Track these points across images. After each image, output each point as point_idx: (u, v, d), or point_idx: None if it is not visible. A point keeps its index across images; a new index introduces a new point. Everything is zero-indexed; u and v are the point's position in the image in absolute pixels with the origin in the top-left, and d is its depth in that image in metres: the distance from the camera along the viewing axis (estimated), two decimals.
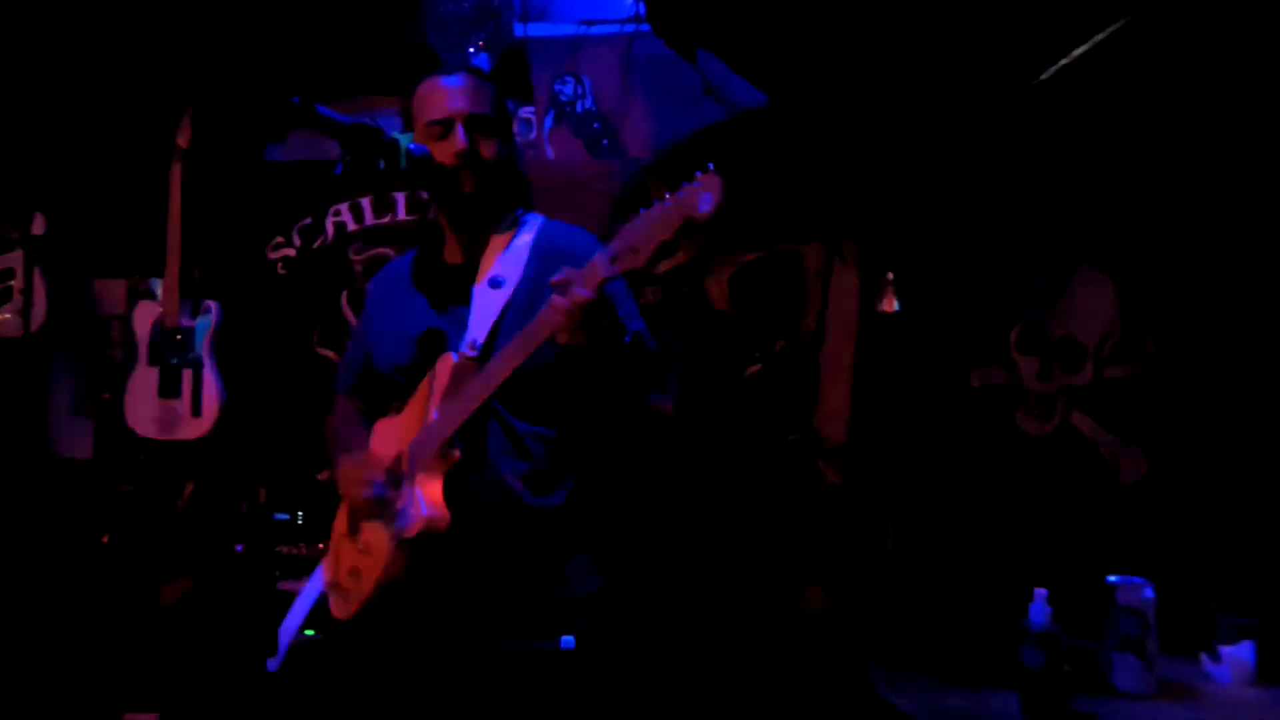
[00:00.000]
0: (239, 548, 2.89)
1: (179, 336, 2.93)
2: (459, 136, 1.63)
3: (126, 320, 3.07)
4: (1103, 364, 2.54)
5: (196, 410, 2.91)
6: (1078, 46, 2.18)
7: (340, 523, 1.79)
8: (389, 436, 1.68)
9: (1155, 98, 2.40)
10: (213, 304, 2.97)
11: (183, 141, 2.90)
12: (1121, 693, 1.86)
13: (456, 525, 1.57)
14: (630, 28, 2.88)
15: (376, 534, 1.64)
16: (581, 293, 1.40)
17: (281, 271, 3.16)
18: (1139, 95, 2.41)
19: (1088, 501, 2.47)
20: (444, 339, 1.65)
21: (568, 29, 2.98)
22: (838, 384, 2.77)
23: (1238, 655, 1.93)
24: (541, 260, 1.66)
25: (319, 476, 3.07)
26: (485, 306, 1.64)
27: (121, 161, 3.17)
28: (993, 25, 2.25)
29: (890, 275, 2.67)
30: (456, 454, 1.58)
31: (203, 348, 2.94)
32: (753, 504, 2.75)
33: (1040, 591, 1.78)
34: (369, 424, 1.77)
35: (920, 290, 2.70)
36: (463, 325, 1.64)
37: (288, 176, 3.18)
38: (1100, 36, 2.15)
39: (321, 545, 2.83)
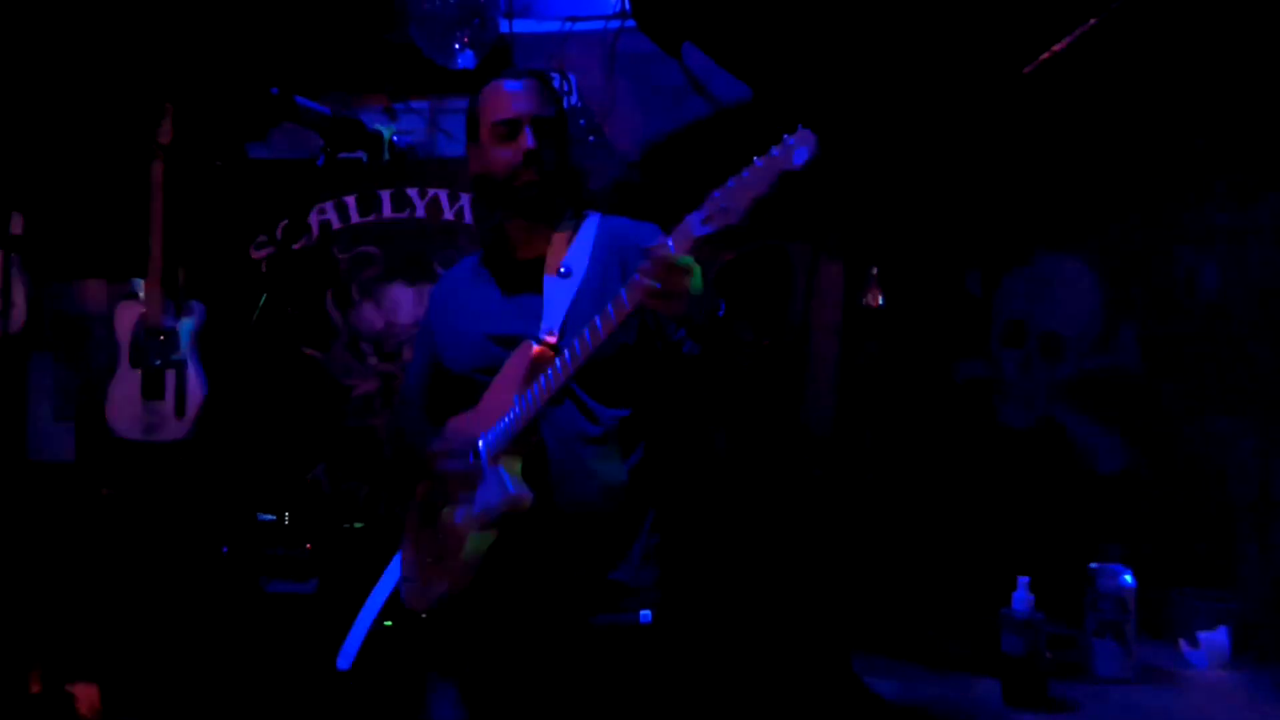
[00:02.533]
0: (224, 549, 2.91)
1: (162, 337, 2.91)
2: (526, 137, 1.72)
3: (108, 321, 3.04)
4: (1083, 356, 2.60)
5: (180, 412, 2.90)
6: (1060, 39, 2.23)
7: (414, 517, 1.84)
8: (464, 430, 1.74)
9: (1136, 89, 2.45)
10: (196, 304, 2.96)
11: (164, 139, 2.90)
12: (1101, 678, 1.92)
13: (537, 506, 1.62)
14: (615, 24, 2.91)
15: (456, 518, 1.69)
16: (673, 251, 1.43)
17: (265, 270, 3.17)
18: (1121, 87, 2.46)
19: (1068, 491, 2.52)
20: (524, 333, 1.70)
21: (552, 26, 3.00)
22: (822, 378, 2.82)
23: (1214, 640, 2.00)
24: (607, 250, 1.75)
25: (305, 478, 3.10)
26: (558, 296, 1.71)
27: (101, 160, 3.16)
28: (976, 19, 2.30)
29: (874, 270, 2.72)
30: (537, 436, 1.66)
31: (186, 348, 2.93)
32: (737, 497, 2.80)
33: (1022, 579, 1.84)
34: (437, 426, 1.82)
35: (904, 284, 2.75)
36: (536, 317, 1.71)
37: (271, 175, 3.18)
38: (1082, 29, 2.20)
39: (309, 546, 2.88)
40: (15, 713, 2.93)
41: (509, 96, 1.76)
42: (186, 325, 2.95)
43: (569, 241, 1.77)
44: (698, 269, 1.45)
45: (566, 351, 1.59)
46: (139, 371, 2.94)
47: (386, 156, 1.64)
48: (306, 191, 3.11)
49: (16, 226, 3.11)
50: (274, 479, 3.08)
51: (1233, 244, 2.40)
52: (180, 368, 2.91)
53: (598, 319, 1.54)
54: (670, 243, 1.44)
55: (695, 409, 1.85)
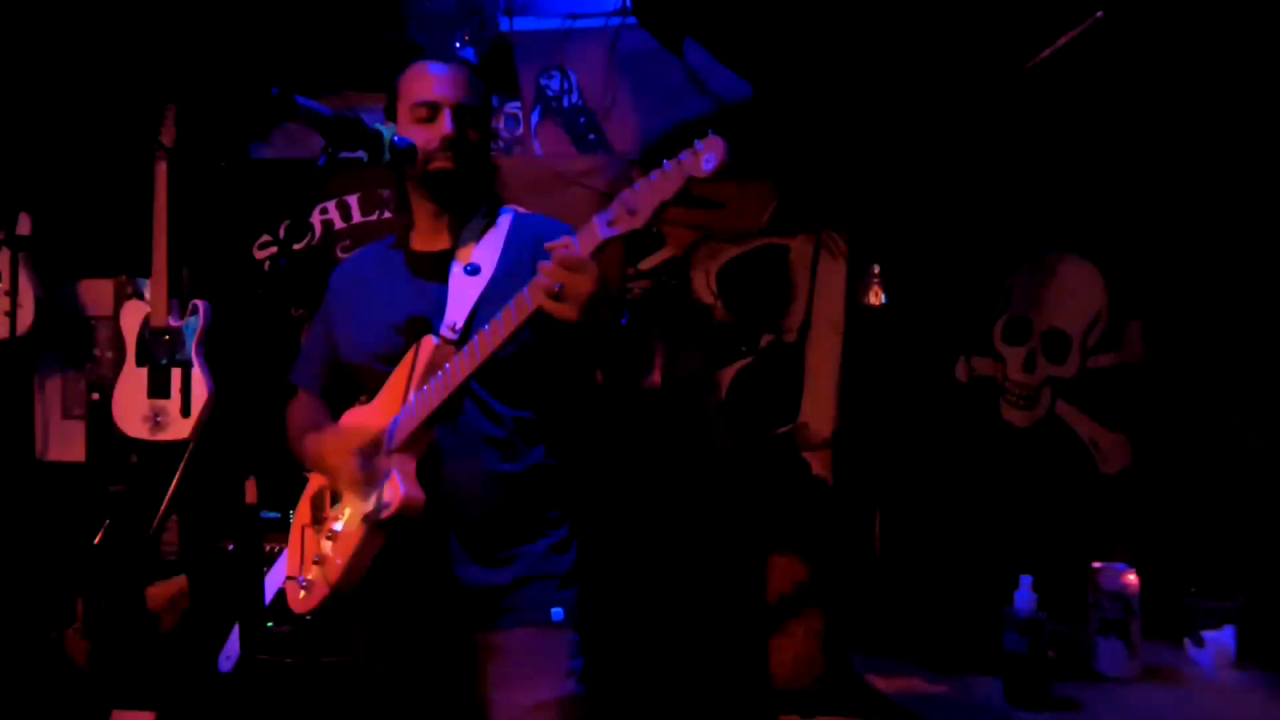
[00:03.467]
0: (229, 546, 2.93)
1: (167, 336, 2.95)
2: (446, 121, 1.68)
3: (114, 321, 3.10)
4: (1088, 354, 2.59)
5: (186, 410, 2.94)
6: (1062, 35, 2.22)
7: (303, 512, 1.81)
8: (360, 423, 1.69)
9: (1139, 86, 2.44)
10: (201, 303, 2.98)
11: (167, 140, 2.93)
12: (1105, 677, 1.91)
13: (431, 506, 1.59)
14: (616, 21, 2.90)
15: (346, 518, 1.66)
16: (575, 253, 1.41)
17: (268, 270, 3.17)
18: (1124, 84, 2.45)
19: (1072, 490, 2.52)
20: (428, 324, 1.68)
21: (553, 23, 2.99)
22: (824, 377, 2.81)
23: (1219, 639, 1.98)
24: (517, 248, 1.72)
25: (309, 475, 3.11)
26: (463, 291, 1.68)
27: (106, 161, 3.19)
28: (978, 15, 2.29)
29: (876, 268, 2.72)
30: (432, 435, 1.62)
31: (191, 347, 2.96)
32: (739, 497, 2.80)
33: (1025, 578, 1.82)
34: (335, 416, 1.79)
35: (906, 283, 2.74)
36: (440, 310, 1.68)
37: (273, 175, 3.19)
38: (1085, 24, 2.19)
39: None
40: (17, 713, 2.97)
41: (432, 79, 1.72)
42: (191, 324, 2.98)
43: (481, 236, 1.73)
44: (597, 273, 1.42)
45: (465, 349, 1.55)
46: (145, 370, 2.97)
47: (387, 156, 1.64)
48: (309, 192, 3.12)
49: (24, 227, 3.14)
50: (278, 477, 3.10)
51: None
52: (185, 367, 2.95)
53: (499, 317, 1.51)
54: (576, 243, 1.42)
55: (613, 411, 1.83)
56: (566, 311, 1.43)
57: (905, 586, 2.55)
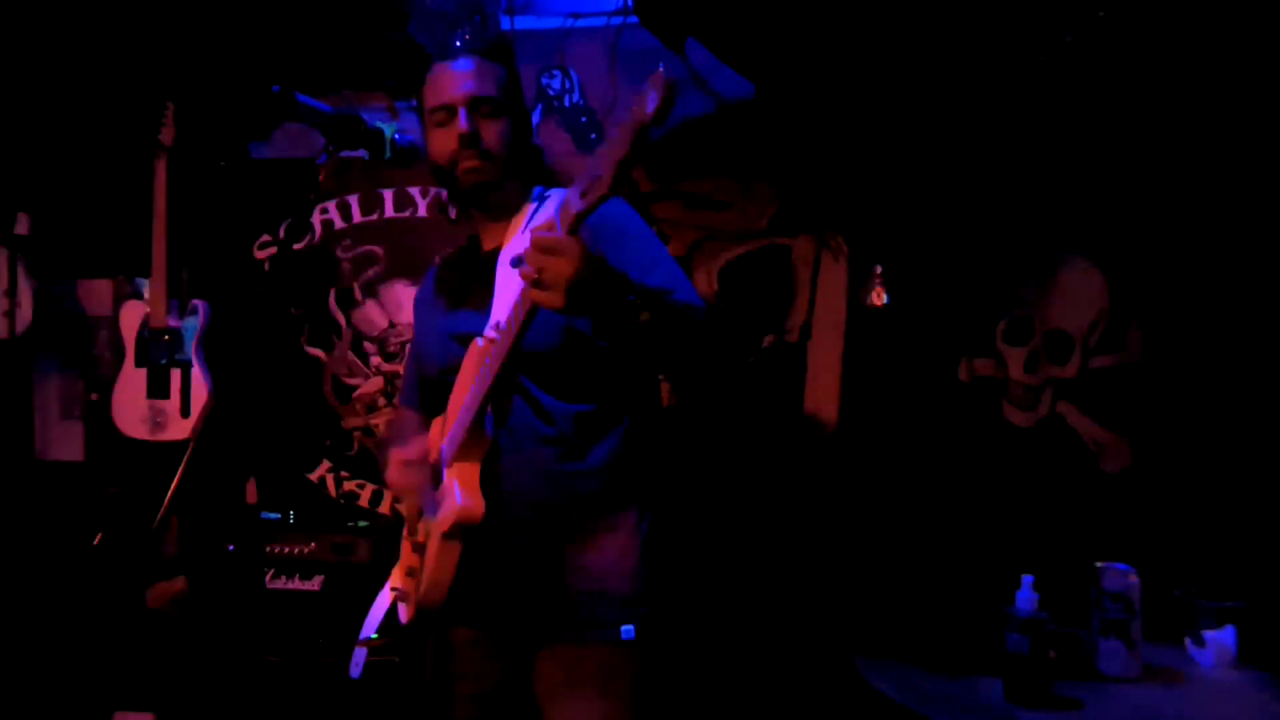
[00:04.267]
0: (230, 547, 2.95)
1: (166, 337, 2.95)
2: (461, 119, 1.62)
3: (113, 321, 3.10)
4: (1089, 354, 2.61)
5: (185, 411, 2.94)
6: (1063, 36, 2.24)
7: (409, 524, 1.78)
8: (419, 436, 1.70)
9: (1140, 87, 2.46)
10: (200, 303, 3.00)
11: (166, 139, 2.94)
12: (1107, 677, 1.92)
13: (496, 512, 1.53)
14: (617, 20, 2.91)
15: (428, 531, 1.63)
16: (550, 234, 1.33)
17: (268, 270, 3.20)
18: (1124, 85, 2.47)
19: (1073, 490, 2.53)
20: (475, 333, 1.62)
21: (554, 22, 3.00)
22: (827, 376, 2.83)
23: (1220, 639, 1.99)
24: None
25: (309, 476, 3.13)
26: (507, 285, 1.60)
27: (105, 160, 3.20)
28: (980, 15, 2.31)
29: (879, 269, 2.73)
30: (488, 439, 1.56)
31: (191, 348, 2.97)
32: (742, 495, 2.81)
33: (1026, 578, 1.84)
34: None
35: (908, 283, 2.76)
36: (487, 311, 1.63)
37: (273, 174, 3.20)
38: (1085, 25, 2.21)
39: (314, 545, 2.91)
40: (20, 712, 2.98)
41: (445, 80, 1.66)
42: (190, 325, 2.99)
43: (523, 224, 1.66)
44: (578, 252, 1.33)
45: (494, 348, 1.50)
46: (144, 371, 2.98)
47: (388, 154, 1.64)
48: (309, 191, 3.11)
49: (22, 226, 3.14)
50: (278, 478, 3.13)
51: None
52: (185, 367, 2.96)
53: (510, 311, 1.45)
54: (557, 223, 1.35)
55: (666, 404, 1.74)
56: (551, 299, 1.35)
57: (907, 586, 2.56)
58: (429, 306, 1.82)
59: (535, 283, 1.35)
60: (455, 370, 1.65)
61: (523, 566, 1.60)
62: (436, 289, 1.83)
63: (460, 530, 1.53)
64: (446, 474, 1.58)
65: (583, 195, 1.30)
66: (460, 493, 1.53)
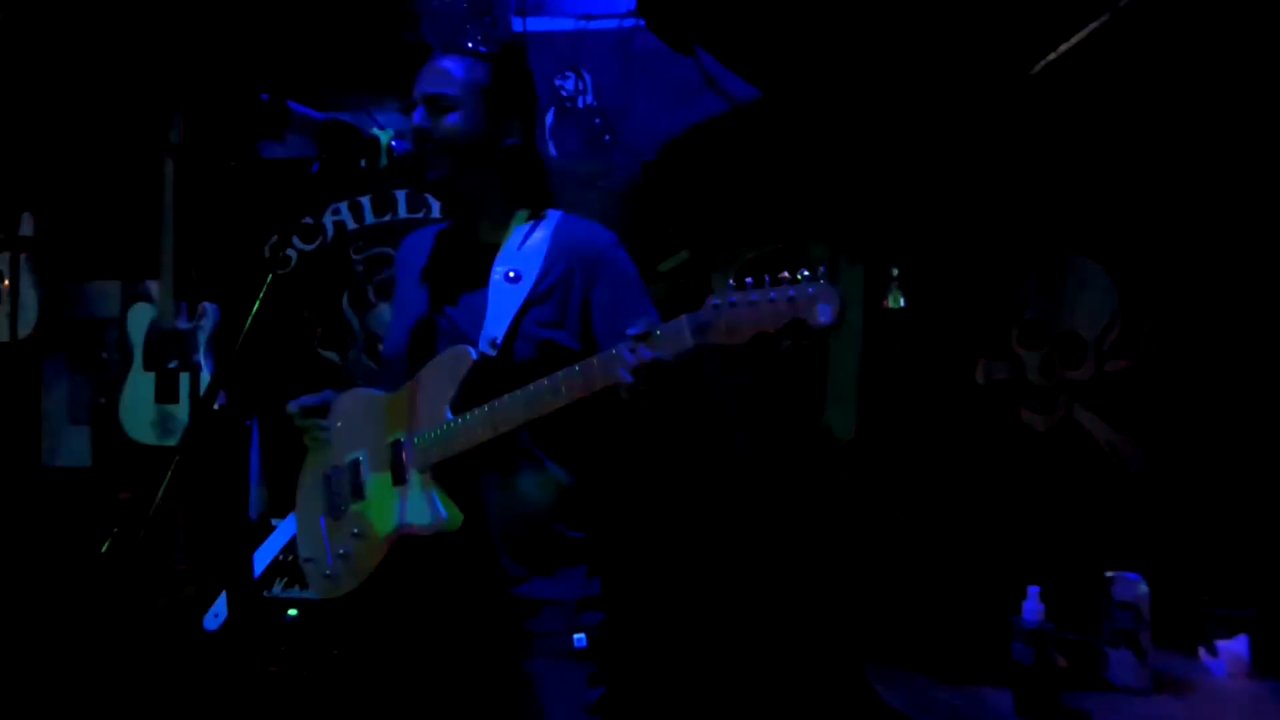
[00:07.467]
0: (230, 548, 3.00)
1: (176, 339, 3.01)
2: (414, 115, 1.71)
3: (121, 323, 3.14)
4: (1103, 358, 2.66)
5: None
6: (1070, 38, 2.28)
7: (321, 491, 1.79)
8: (390, 415, 1.70)
9: (1152, 89, 2.50)
10: (210, 306, 3.04)
11: (176, 140, 2.99)
12: (1117, 687, 1.97)
13: (467, 526, 1.60)
14: (630, 22, 2.96)
15: (370, 521, 1.68)
16: (659, 355, 1.38)
17: (281, 272, 3.26)
18: (1136, 87, 2.51)
19: (1087, 496, 2.57)
20: (440, 332, 1.69)
21: (567, 23, 3.05)
22: (844, 380, 2.87)
23: (1233, 649, 2.04)
24: (561, 255, 1.69)
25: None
26: (504, 301, 1.65)
27: (113, 160, 3.24)
28: (987, 18, 2.36)
29: (895, 272, 2.79)
30: (468, 461, 1.61)
31: (201, 351, 3.01)
32: (757, 501, 2.87)
33: (1033, 588, 1.88)
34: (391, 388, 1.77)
35: (924, 286, 2.80)
36: (480, 320, 1.66)
37: (285, 175, 3.22)
38: (1093, 26, 2.25)
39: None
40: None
41: (418, 77, 1.74)
42: (200, 327, 3.03)
43: (525, 239, 1.71)
44: (684, 370, 1.39)
45: (522, 398, 1.52)
46: (153, 374, 3.03)
47: (384, 162, 1.69)
48: (321, 192, 3.17)
49: (27, 228, 3.20)
50: (290, 484, 3.18)
51: None
52: (195, 370, 2.98)
53: (574, 374, 1.47)
54: (660, 335, 1.38)
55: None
56: (640, 399, 1.42)
57: (918, 594, 2.62)
58: (407, 278, 1.85)
59: (633, 390, 1.41)
60: (403, 362, 1.71)
61: (475, 576, 1.67)
62: (417, 263, 1.85)
63: (421, 537, 1.60)
64: (416, 475, 1.63)
65: (701, 332, 1.34)
66: (442, 506, 1.59)
